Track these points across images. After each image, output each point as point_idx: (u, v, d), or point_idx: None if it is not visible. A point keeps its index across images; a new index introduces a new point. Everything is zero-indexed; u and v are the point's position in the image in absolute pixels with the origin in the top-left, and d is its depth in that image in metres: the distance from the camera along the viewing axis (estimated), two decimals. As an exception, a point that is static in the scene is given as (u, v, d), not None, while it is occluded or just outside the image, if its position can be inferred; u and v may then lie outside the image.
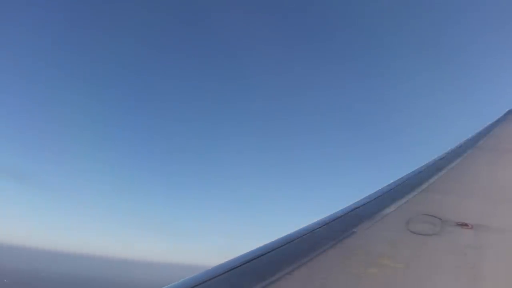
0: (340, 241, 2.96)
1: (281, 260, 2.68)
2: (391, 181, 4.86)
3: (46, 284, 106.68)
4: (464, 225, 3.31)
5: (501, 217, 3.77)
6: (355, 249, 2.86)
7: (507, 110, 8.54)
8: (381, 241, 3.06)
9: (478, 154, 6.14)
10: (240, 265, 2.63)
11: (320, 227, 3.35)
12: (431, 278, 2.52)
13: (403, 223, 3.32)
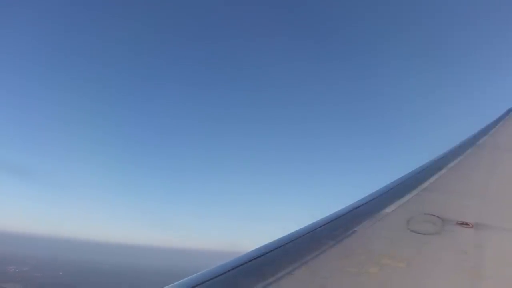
0: (341, 241, 2.96)
1: (282, 259, 2.67)
2: (392, 180, 4.88)
3: (99, 275, 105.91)
4: (464, 224, 3.31)
5: (501, 216, 3.78)
6: (356, 249, 2.86)
7: (507, 108, 8.64)
8: (382, 241, 3.05)
9: (478, 153, 6.15)
10: (241, 265, 2.62)
11: (320, 227, 3.34)
12: (432, 277, 2.51)
13: (404, 222, 3.32)
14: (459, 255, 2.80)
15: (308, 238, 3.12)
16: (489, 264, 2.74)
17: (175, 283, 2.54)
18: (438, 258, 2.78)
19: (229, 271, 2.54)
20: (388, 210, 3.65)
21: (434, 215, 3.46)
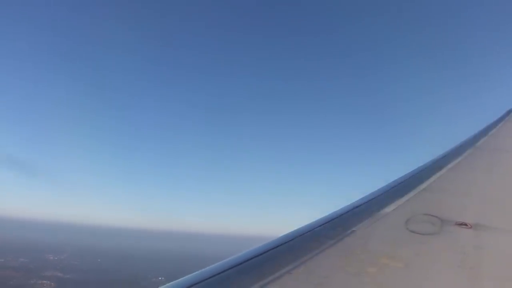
0: (340, 240, 2.97)
1: (282, 258, 2.69)
2: (391, 181, 4.87)
3: (135, 262, 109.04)
4: (463, 224, 3.31)
5: (500, 217, 3.76)
6: (355, 248, 2.88)
7: (506, 110, 8.41)
8: (381, 241, 3.06)
9: (478, 154, 6.14)
10: (241, 263, 2.65)
11: (320, 226, 3.36)
12: (431, 278, 2.52)
13: (403, 223, 3.33)
14: (458, 256, 2.80)
15: (308, 237, 3.12)
16: (488, 265, 2.73)
17: (173, 282, 2.55)
18: (437, 258, 2.78)
19: (228, 269, 2.56)
20: (387, 210, 3.66)
21: (433, 216, 3.47)
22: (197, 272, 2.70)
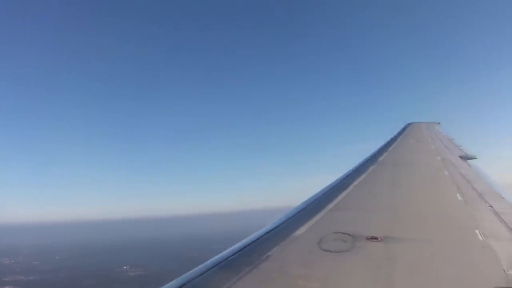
0: (256, 266, 2.98)
1: None
2: (300, 202, 5.04)
3: (95, 255, 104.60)
4: (373, 238, 3.45)
5: (406, 227, 4.01)
6: (271, 273, 2.88)
7: (404, 125, 9.21)
8: (296, 263, 3.10)
9: (380, 169, 6.59)
10: None
11: (235, 254, 3.37)
12: None
13: (315, 243, 3.40)
14: (372, 269, 2.89)
15: (223, 266, 3.11)
16: (400, 274, 2.83)
17: None
18: (352, 274, 2.84)
19: None
20: (299, 232, 3.75)
21: (344, 233, 3.59)
22: None
